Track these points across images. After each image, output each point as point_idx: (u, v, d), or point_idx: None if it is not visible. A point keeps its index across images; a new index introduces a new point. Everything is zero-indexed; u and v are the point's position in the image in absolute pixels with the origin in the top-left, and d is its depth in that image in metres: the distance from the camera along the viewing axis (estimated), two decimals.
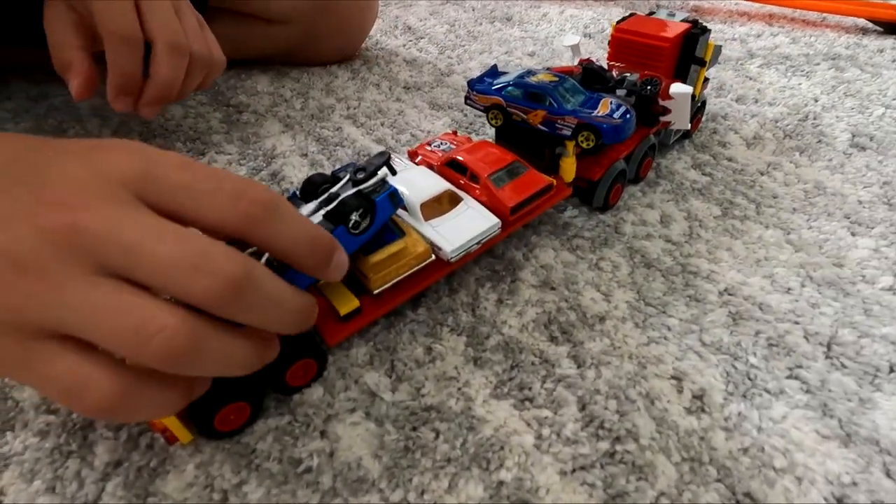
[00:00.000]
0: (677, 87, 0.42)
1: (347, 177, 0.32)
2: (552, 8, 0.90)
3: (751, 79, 0.66)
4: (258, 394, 0.30)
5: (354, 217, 0.30)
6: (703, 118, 0.57)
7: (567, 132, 0.39)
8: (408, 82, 0.67)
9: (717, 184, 0.49)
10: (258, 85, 0.65)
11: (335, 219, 0.30)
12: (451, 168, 0.39)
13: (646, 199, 0.47)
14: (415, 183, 0.36)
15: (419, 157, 0.41)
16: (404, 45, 0.77)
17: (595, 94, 0.41)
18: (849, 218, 0.44)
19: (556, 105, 0.39)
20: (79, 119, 0.58)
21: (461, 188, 0.38)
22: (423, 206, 0.35)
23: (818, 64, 0.69)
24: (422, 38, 0.80)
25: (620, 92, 0.42)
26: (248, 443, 0.29)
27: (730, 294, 0.38)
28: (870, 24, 0.78)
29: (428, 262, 0.34)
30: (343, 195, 0.30)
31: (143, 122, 0.58)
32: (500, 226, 0.36)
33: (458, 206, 0.36)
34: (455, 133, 0.44)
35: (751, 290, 0.38)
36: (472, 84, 0.43)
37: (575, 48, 0.49)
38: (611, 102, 0.39)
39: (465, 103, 0.44)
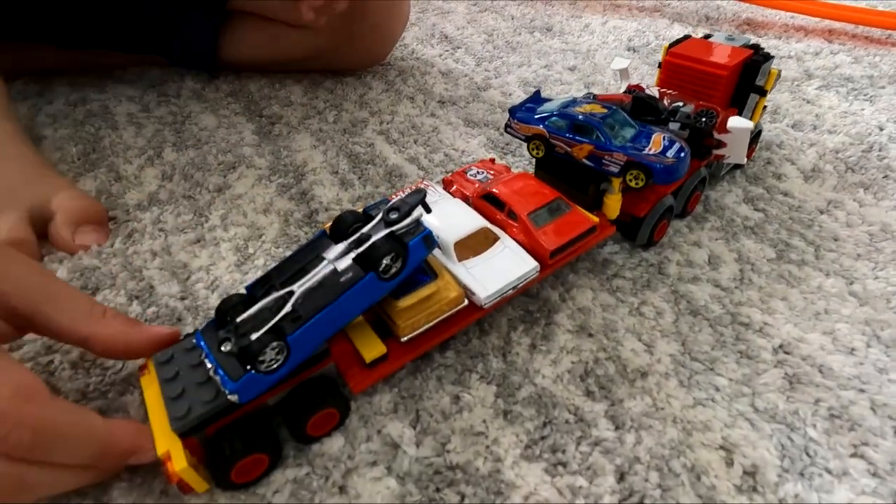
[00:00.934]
0: (736, 122, 0.39)
1: (380, 216, 0.30)
2: (594, 18, 0.87)
3: (808, 102, 0.62)
4: (278, 446, 0.29)
5: (386, 261, 0.28)
6: (758, 146, 0.54)
7: (614, 169, 0.36)
8: (443, 96, 0.65)
9: (772, 221, 0.45)
10: (292, 95, 0.64)
11: (366, 264, 0.28)
12: (487, 201, 0.37)
13: (693, 235, 0.44)
14: (449, 219, 0.34)
15: (454, 187, 0.39)
16: (440, 55, 0.75)
17: (646, 128, 0.38)
18: None
19: (604, 140, 0.36)
20: (114, 126, 0.58)
21: (497, 224, 0.36)
22: (457, 245, 0.33)
23: (883, 87, 0.64)
24: (459, 47, 0.78)
25: (673, 125, 0.39)
26: (263, 494, 0.28)
27: (785, 352, 0.35)
28: None
29: (460, 307, 0.32)
30: (374, 237, 0.29)
31: (177, 131, 0.57)
32: (538, 269, 0.34)
33: (494, 246, 0.34)
34: (493, 161, 0.42)
35: (809, 348, 0.35)
36: (513, 111, 0.41)
37: (624, 72, 0.46)
38: (664, 138, 0.36)
39: (505, 131, 0.41)
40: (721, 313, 0.37)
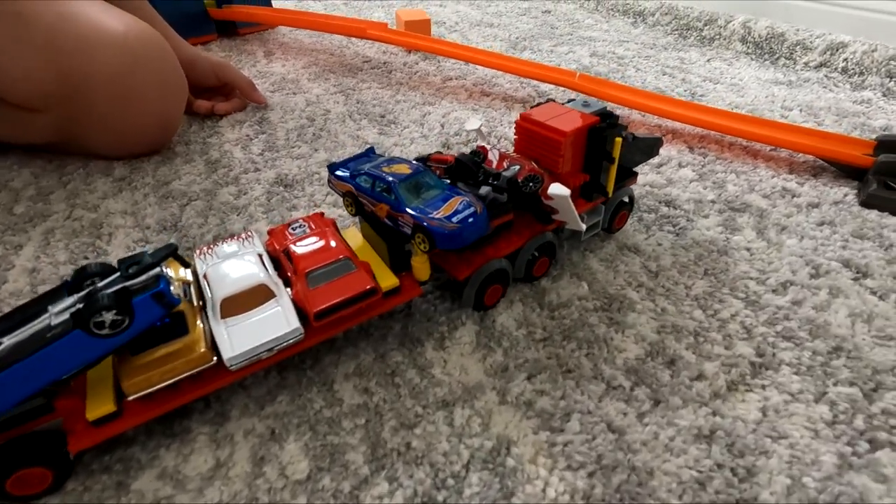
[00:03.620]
0: (554, 189, 0.38)
1: (118, 272, 0.30)
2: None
3: None
4: None
5: (109, 317, 0.28)
6: (631, 215, 0.52)
7: (407, 230, 0.36)
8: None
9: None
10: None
11: (76, 320, 0.28)
12: (286, 257, 0.38)
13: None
14: (227, 274, 0.34)
15: (270, 239, 0.40)
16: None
17: (450, 191, 0.38)
18: None
19: (397, 201, 0.36)
20: None
21: (289, 281, 0.36)
22: (224, 301, 0.33)
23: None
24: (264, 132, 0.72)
25: (485, 189, 0.38)
26: None
27: None
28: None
29: (206, 366, 0.31)
30: (100, 293, 0.28)
31: None
32: (301, 332, 0.33)
33: (266, 304, 0.34)
34: (321, 215, 0.42)
35: None
36: (332, 168, 0.42)
37: (479, 133, 0.47)
38: (460, 202, 0.36)
39: (328, 185, 0.42)
40: None
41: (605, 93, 0.75)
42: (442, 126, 0.73)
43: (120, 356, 0.30)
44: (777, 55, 0.96)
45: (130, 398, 0.30)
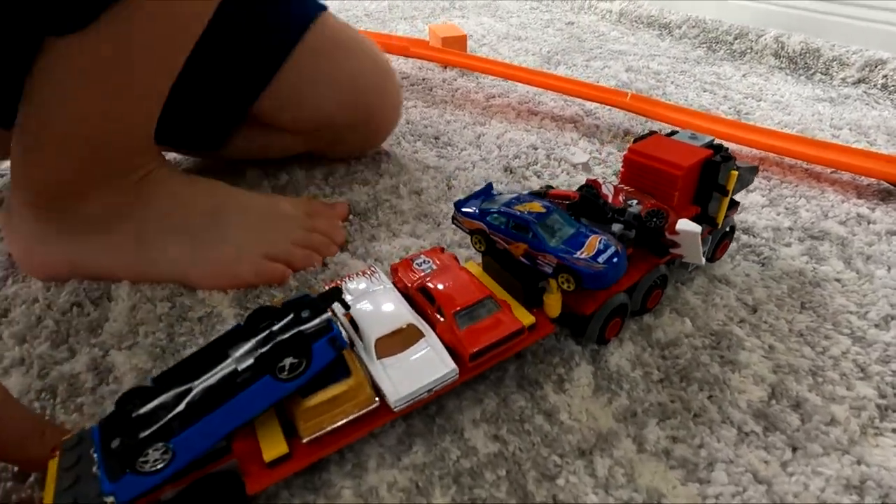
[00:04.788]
0: (684, 225, 0.38)
1: (291, 315, 0.29)
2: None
3: None
4: None
5: (287, 362, 0.27)
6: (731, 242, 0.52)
7: (548, 270, 0.35)
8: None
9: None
10: None
11: (264, 365, 0.28)
12: (422, 294, 0.36)
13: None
14: (375, 314, 0.34)
15: (399, 275, 0.39)
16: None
17: (585, 230, 0.37)
18: None
19: (537, 240, 0.35)
20: None
21: (429, 318, 0.35)
22: (378, 342, 0.32)
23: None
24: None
25: (616, 226, 0.37)
26: None
27: None
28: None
29: (370, 408, 0.31)
30: (280, 337, 0.28)
31: None
32: (457, 373, 0.32)
33: (417, 343, 0.34)
34: (442, 250, 0.41)
35: None
36: (458, 205, 0.41)
37: (585, 166, 0.46)
38: (600, 241, 0.35)
39: (452, 223, 0.41)
40: None
41: (659, 113, 0.75)
42: (499, 148, 0.72)
43: (290, 398, 0.30)
44: (812, 70, 0.96)
45: (305, 440, 0.30)
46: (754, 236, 0.55)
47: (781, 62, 1.00)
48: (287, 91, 0.54)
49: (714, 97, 0.88)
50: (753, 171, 0.49)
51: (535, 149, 0.71)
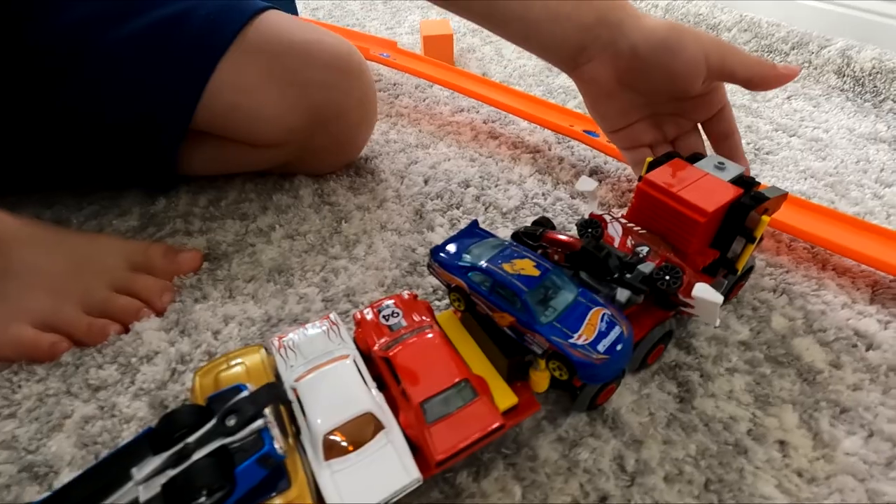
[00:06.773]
0: (703, 293, 0.32)
1: (214, 422, 0.24)
2: None
3: None
4: None
5: (203, 496, 0.23)
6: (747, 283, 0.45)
7: (538, 350, 0.30)
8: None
9: None
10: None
11: (174, 496, 0.23)
12: (387, 366, 0.31)
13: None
14: (327, 395, 0.28)
15: (360, 330, 0.34)
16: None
17: (586, 298, 0.31)
18: None
19: (526, 314, 0.30)
20: None
21: (392, 398, 0.30)
22: (327, 439, 0.27)
23: None
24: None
25: (623, 295, 0.32)
26: None
27: None
28: None
29: None
30: (197, 455, 0.23)
31: None
32: (421, 480, 0.27)
33: (376, 439, 0.28)
34: (414, 297, 0.36)
35: None
36: (435, 251, 0.35)
37: (591, 194, 0.40)
38: (602, 318, 0.30)
39: (428, 271, 0.35)
40: None
41: None
42: (425, 182, 0.57)
43: None
44: (882, 97, 0.72)
45: None
46: (689, 352, 0.39)
47: (844, 82, 0.76)
48: (221, 102, 0.47)
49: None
50: (782, 199, 0.43)
51: (467, 187, 0.56)
